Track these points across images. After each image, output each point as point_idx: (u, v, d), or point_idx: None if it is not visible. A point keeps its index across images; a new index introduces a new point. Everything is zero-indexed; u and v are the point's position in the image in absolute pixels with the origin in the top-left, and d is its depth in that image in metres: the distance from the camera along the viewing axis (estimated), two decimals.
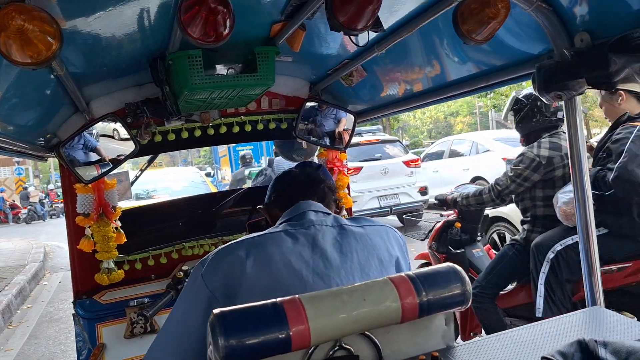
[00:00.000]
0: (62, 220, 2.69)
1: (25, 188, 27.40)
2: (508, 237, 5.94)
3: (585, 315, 1.50)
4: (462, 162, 12.62)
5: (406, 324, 1.22)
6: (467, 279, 1.29)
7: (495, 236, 6.21)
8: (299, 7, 1.85)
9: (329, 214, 1.59)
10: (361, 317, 1.17)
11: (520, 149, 3.38)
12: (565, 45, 1.66)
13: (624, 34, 1.49)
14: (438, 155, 13.87)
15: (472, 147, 12.65)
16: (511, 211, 5.88)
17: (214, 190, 11.13)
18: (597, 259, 1.78)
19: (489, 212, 6.23)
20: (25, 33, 1.21)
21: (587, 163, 1.80)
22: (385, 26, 1.91)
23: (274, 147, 7.50)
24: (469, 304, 1.30)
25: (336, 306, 1.17)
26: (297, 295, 1.17)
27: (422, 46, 2.21)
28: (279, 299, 1.15)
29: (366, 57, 2.28)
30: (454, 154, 13.24)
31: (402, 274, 1.26)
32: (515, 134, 14.77)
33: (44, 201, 27.55)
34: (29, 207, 25.48)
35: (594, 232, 1.78)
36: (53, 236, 16.52)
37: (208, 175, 20.54)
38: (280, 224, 1.56)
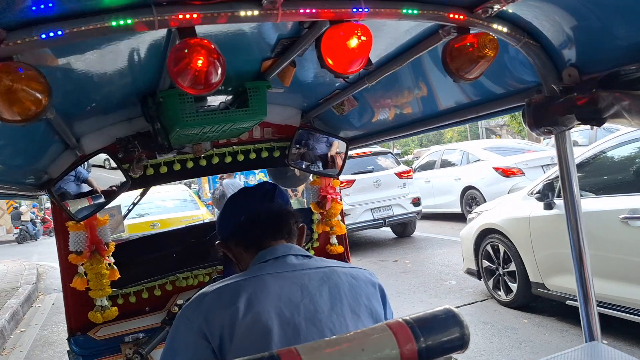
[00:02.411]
0: (54, 240, 2.66)
1: (17, 208, 27.10)
2: (502, 248, 5.94)
3: (583, 352, 1.50)
4: (453, 172, 12.72)
5: None
6: (465, 321, 1.28)
7: (489, 248, 6.19)
8: (289, 45, 1.86)
9: (309, 256, 1.55)
10: None
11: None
12: (554, 80, 1.67)
13: (612, 70, 1.50)
14: (430, 165, 13.95)
15: (463, 157, 12.73)
16: (504, 223, 5.87)
17: (201, 206, 11.39)
18: (592, 290, 1.77)
19: (482, 224, 6.23)
20: (13, 93, 1.19)
21: (579, 194, 1.80)
22: (375, 60, 1.91)
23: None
24: (468, 347, 1.28)
25: (334, 357, 1.15)
26: (293, 346, 1.15)
27: (412, 78, 2.22)
28: (275, 351, 1.13)
29: (357, 87, 2.28)
30: (445, 163, 13.35)
31: (399, 319, 1.25)
32: (505, 143, 14.97)
33: (35, 220, 27.28)
34: (20, 227, 25.23)
35: (588, 264, 1.77)
36: (46, 256, 16.29)
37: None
38: (259, 264, 1.50)
